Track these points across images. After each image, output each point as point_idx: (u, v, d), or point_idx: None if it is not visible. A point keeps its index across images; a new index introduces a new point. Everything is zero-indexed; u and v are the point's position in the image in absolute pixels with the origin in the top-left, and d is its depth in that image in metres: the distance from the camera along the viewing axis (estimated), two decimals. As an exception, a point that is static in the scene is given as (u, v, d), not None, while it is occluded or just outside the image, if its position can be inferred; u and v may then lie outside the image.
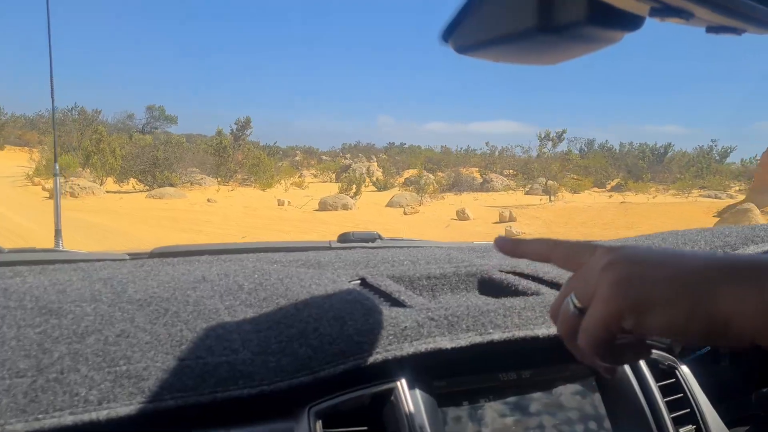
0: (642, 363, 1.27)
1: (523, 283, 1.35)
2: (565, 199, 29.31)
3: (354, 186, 28.35)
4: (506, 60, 0.70)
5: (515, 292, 1.32)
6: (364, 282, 1.36)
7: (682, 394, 1.28)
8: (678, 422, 1.24)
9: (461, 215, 20.55)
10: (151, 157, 27.75)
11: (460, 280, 1.42)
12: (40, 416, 0.79)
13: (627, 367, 1.26)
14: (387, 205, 25.09)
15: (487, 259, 1.55)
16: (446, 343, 1.07)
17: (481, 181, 37.70)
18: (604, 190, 37.52)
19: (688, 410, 1.26)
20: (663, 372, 1.29)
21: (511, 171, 45.24)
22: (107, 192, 24.87)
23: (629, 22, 0.60)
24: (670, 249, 0.65)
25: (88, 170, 28.34)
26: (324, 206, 22.34)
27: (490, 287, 1.41)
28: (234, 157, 32.66)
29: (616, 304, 0.59)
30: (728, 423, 1.29)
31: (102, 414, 0.82)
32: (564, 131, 34.58)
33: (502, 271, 1.43)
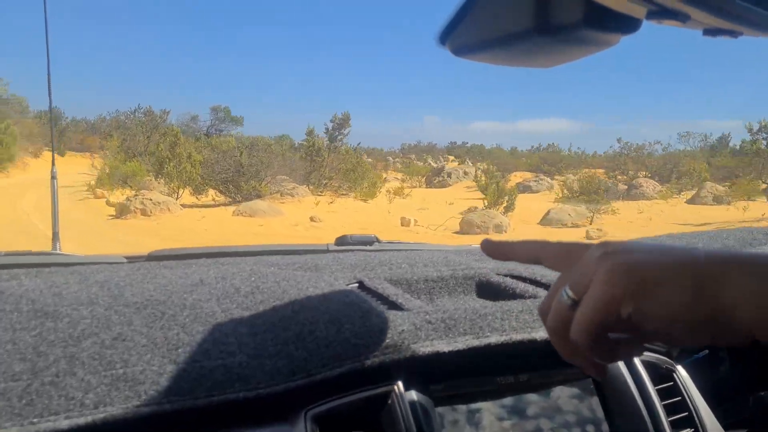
0: (640, 366, 1.27)
1: (521, 286, 1.35)
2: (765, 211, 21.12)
3: (505, 198, 21.89)
4: (503, 62, 0.70)
5: (513, 295, 1.33)
6: (361, 285, 1.36)
7: (680, 398, 1.28)
8: (676, 426, 1.23)
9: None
10: (234, 164, 23.03)
11: (457, 283, 1.42)
12: (35, 420, 0.79)
13: (625, 371, 1.26)
14: (541, 223, 19.09)
15: (485, 262, 1.54)
16: (444, 346, 1.07)
17: (626, 187, 30.15)
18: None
19: (686, 413, 1.26)
20: (661, 375, 1.29)
21: (644, 173, 37.74)
22: (183, 206, 20.06)
23: (626, 24, 0.61)
24: (668, 244, 0.64)
25: (161, 180, 23.49)
26: (468, 227, 17.00)
27: (488, 290, 1.41)
28: (329, 162, 26.96)
29: (615, 287, 0.56)
30: (726, 426, 1.29)
31: (98, 418, 0.82)
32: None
33: (499, 274, 1.43)
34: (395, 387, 1.05)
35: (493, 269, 1.47)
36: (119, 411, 0.84)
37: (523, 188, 31.54)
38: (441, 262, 1.55)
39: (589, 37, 0.61)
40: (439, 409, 1.09)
